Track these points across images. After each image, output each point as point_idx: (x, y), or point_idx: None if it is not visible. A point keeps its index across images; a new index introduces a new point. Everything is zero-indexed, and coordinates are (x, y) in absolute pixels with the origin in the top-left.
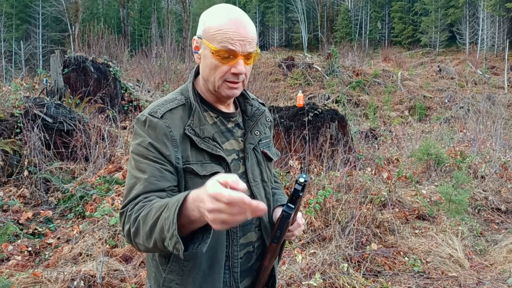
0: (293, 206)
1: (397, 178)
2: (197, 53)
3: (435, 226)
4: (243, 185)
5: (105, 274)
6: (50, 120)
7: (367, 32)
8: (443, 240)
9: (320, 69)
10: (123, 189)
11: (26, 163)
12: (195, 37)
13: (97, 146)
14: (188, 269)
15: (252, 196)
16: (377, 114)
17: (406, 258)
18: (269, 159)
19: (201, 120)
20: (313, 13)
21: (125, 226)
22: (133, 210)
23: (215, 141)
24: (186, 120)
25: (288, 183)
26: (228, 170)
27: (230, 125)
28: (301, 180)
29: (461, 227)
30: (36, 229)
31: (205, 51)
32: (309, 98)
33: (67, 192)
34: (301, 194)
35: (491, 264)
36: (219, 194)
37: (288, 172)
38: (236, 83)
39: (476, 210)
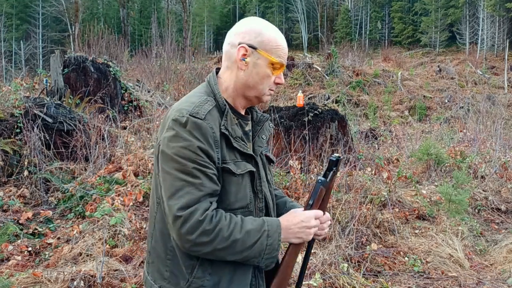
0: (328, 175)
1: (397, 178)
2: (244, 60)
3: (435, 226)
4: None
5: (105, 274)
6: (50, 120)
7: (367, 32)
8: (443, 240)
9: (320, 69)
10: (123, 189)
11: (26, 163)
12: (244, 45)
13: (97, 146)
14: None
15: (265, 197)
16: (377, 114)
17: (406, 258)
18: (270, 161)
19: (232, 121)
20: (313, 13)
21: (193, 233)
22: (205, 219)
23: (243, 141)
24: (220, 120)
25: (288, 183)
26: (257, 167)
27: (247, 128)
28: (333, 158)
29: (461, 227)
30: (36, 229)
31: (259, 61)
32: (309, 98)
33: (67, 192)
34: (334, 168)
35: (491, 264)
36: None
37: (288, 172)
38: (273, 90)
39: (476, 210)
